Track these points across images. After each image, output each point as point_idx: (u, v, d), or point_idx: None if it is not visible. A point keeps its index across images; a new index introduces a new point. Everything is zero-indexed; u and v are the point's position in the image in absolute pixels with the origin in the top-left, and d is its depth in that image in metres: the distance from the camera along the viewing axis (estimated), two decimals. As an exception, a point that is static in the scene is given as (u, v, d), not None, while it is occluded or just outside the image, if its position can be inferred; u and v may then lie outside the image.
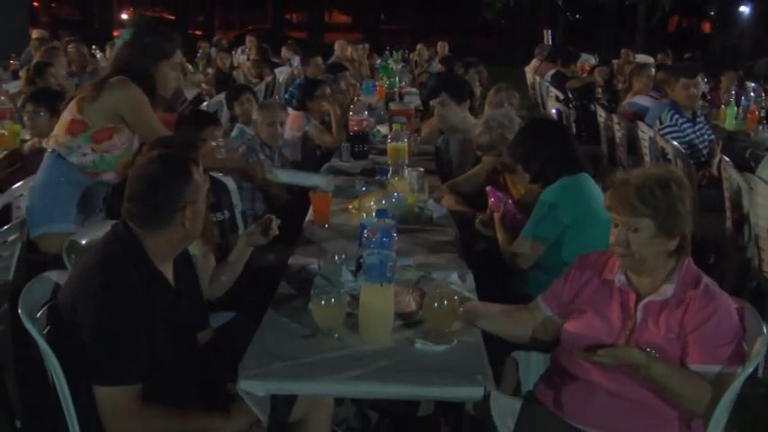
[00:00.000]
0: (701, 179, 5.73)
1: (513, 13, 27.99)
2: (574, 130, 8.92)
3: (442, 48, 13.75)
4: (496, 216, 3.73)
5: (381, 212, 2.78)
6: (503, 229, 3.69)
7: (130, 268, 2.45)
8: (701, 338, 2.48)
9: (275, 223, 3.21)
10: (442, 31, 38.32)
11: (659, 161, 5.95)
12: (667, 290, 2.58)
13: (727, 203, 5.03)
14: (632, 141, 6.82)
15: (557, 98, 9.68)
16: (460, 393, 2.41)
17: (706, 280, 2.61)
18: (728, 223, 5.05)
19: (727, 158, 5.12)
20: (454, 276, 3.10)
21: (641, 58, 12.86)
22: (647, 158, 6.32)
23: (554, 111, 8.81)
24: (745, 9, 31.46)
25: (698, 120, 6.20)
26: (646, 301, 2.59)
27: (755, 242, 4.58)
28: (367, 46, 12.57)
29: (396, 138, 4.80)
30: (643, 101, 7.21)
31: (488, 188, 3.86)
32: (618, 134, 7.14)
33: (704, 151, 6.02)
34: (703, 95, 8.77)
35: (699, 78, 6.17)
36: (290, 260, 3.41)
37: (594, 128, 8.17)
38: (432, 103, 5.63)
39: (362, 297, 2.63)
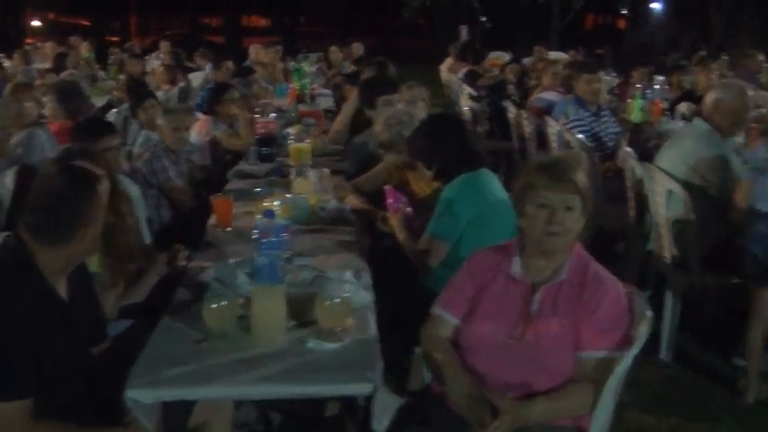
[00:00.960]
0: (607, 171, 5.85)
1: (431, 12, 28.24)
2: (487, 126, 9.06)
3: (357, 49, 13.75)
4: (395, 216, 3.72)
5: (268, 212, 2.77)
6: (403, 228, 3.69)
7: (19, 282, 2.39)
8: (592, 325, 2.53)
9: (182, 255, 3.20)
10: (363, 31, 38.49)
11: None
12: (561, 273, 2.62)
13: (630, 193, 5.15)
14: (541, 136, 6.92)
15: (470, 96, 9.77)
16: (350, 390, 2.42)
17: (594, 265, 2.65)
18: (631, 213, 5.18)
19: (629, 149, 5.24)
20: (348, 274, 3.09)
21: (554, 55, 13.11)
22: (555, 153, 6.43)
23: (466, 108, 8.88)
24: (656, 6, 32.32)
25: (602, 113, 6.34)
26: (542, 287, 2.63)
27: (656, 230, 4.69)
28: (280, 48, 12.50)
29: (298, 138, 4.78)
30: (550, 96, 7.34)
31: (387, 188, 3.87)
32: (527, 130, 7.25)
33: (609, 144, 6.16)
34: (611, 90, 8.99)
35: (601, 73, 6.30)
36: (189, 265, 3.36)
37: (507, 124, 8.28)
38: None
39: (253, 299, 2.61)
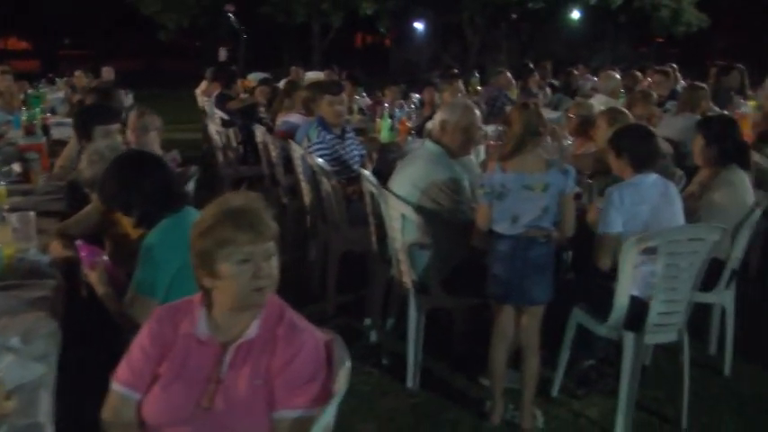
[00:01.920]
0: (352, 194, 5.70)
1: (192, 33, 27.60)
2: (242, 151, 8.74)
3: (107, 73, 13.01)
4: (92, 272, 3.24)
5: None
6: (102, 284, 3.21)
7: None
8: (286, 381, 2.27)
9: None
10: (128, 54, 37.07)
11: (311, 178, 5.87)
12: (253, 328, 2.34)
13: (370, 217, 5.00)
14: (288, 160, 6.69)
15: (222, 120, 9.42)
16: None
17: (290, 314, 2.41)
18: (372, 237, 5.03)
19: (366, 172, 5.10)
20: (15, 340, 2.63)
21: (312, 75, 13.02)
22: (301, 177, 6.20)
23: (215, 133, 8.50)
24: (419, 25, 33.51)
25: (347, 136, 6.20)
26: (233, 346, 2.33)
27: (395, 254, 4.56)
28: (10, 76, 11.44)
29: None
30: (294, 119, 7.14)
31: (78, 242, 3.38)
32: (273, 154, 7.00)
33: (354, 166, 6.01)
34: (361, 110, 8.96)
35: (344, 95, 6.15)
36: None
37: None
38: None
39: None
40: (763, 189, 6.12)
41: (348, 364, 2.36)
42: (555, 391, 4.37)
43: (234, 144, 8.78)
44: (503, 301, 3.95)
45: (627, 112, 5.53)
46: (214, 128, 8.62)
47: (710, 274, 4.48)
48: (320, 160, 5.62)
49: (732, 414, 4.31)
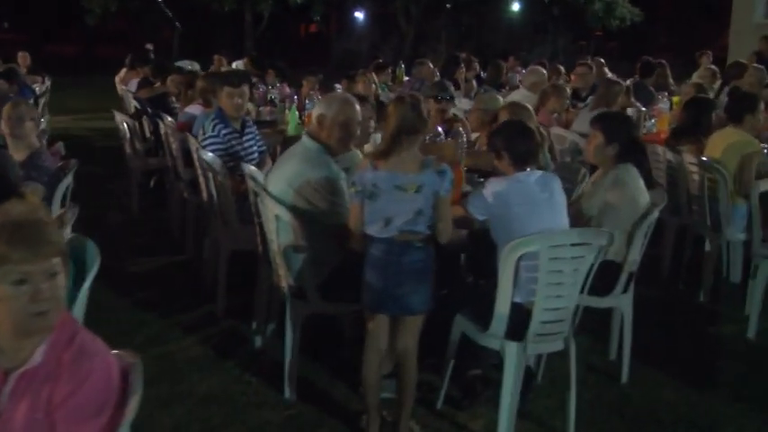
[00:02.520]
0: (245, 191, 5.39)
1: (127, 18, 26.89)
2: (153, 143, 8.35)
3: (23, 59, 12.48)
4: None
5: None
6: None
7: None
8: (68, 415, 1.98)
9: None
10: (67, 39, 36.06)
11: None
12: (37, 354, 2.04)
13: (255, 217, 4.70)
14: (189, 153, 6.35)
15: (136, 109, 9.03)
16: None
17: (82, 336, 2.11)
18: (258, 237, 4.74)
19: (251, 168, 4.82)
20: None
21: (239, 64, 12.63)
22: (199, 171, 5.87)
23: (122, 123, 8.10)
24: (359, 15, 33.19)
25: (247, 130, 5.87)
26: (15, 374, 2.04)
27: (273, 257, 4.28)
28: None
29: None
30: (194, 110, 6.81)
31: None
32: (173, 146, 6.65)
33: (253, 163, 5.69)
34: (272, 101, 8.64)
35: (245, 87, 5.81)
36: None
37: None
38: None
39: None
40: (678, 188, 6.02)
41: (140, 390, 2.08)
42: (440, 403, 4.14)
43: (147, 135, 8.41)
44: (376, 310, 3.69)
45: (529, 107, 5.32)
46: (120, 117, 8.21)
47: (606, 278, 4.31)
48: (210, 155, 5.31)
49: (622, 424, 4.13)
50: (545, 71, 9.21)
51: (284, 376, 4.20)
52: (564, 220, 3.84)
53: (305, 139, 4.18)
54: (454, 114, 6.31)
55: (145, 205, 8.28)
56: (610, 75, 11.00)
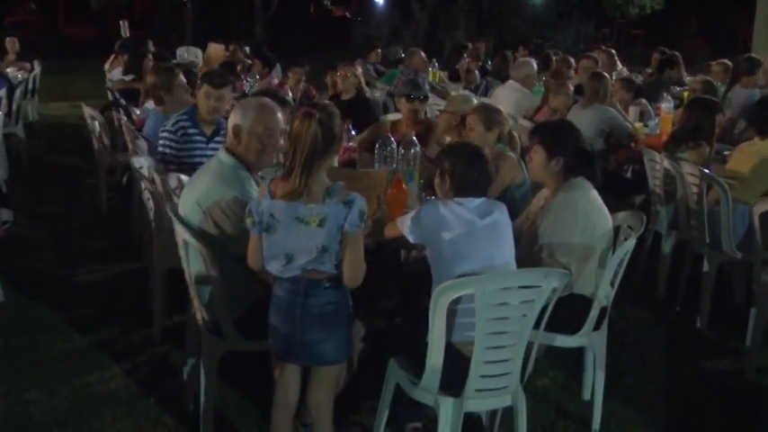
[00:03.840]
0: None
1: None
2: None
3: (11, 44, 12.06)
4: None
5: None
6: None
7: None
8: None
9: None
10: (90, 22, 35.71)
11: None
12: None
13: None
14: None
15: (109, 101, 8.54)
16: None
17: None
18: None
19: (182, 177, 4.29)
20: None
21: (213, 48, 12.07)
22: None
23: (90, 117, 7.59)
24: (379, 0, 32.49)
25: (217, 138, 5.17)
26: None
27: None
28: None
29: None
30: (152, 104, 6.29)
31: None
32: (130, 145, 6.14)
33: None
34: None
35: (225, 91, 5.20)
36: None
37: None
38: None
39: None
40: (677, 199, 5.42)
41: None
42: (372, 459, 3.60)
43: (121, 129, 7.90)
44: (284, 358, 3.16)
45: (501, 111, 4.72)
46: (88, 110, 7.70)
47: (573, 314, 3.75)
48: (143, 159, 4.79)
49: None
50: (535, 63, 8.53)
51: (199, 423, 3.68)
52: (508, 253, 3.26)
53: (221, 153, 3.62)
54: (427, 115, 5.72)
55: (115, 204, 7.79)
56: (620, 67, 10.37)
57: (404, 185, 3.91)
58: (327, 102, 3.81)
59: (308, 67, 9.19)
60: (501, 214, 3.26)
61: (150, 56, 9.34)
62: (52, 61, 18.43)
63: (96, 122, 7.53)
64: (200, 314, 3.63)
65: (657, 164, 5.64)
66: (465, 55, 10.94)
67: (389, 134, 4.79)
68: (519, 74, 8.08)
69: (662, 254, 5.66)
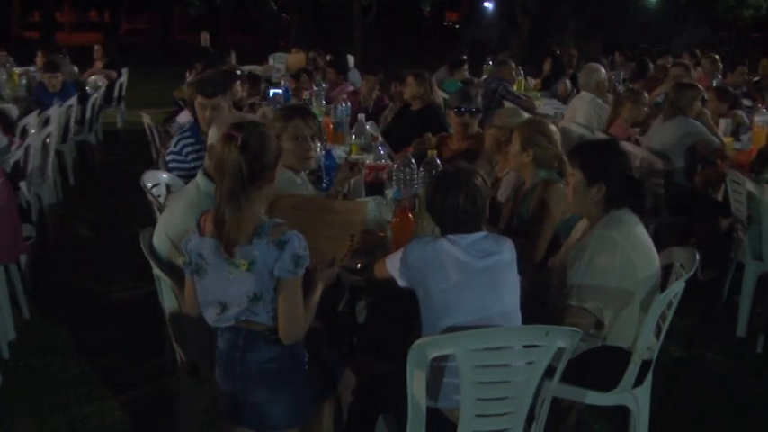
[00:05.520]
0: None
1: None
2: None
3: (98, 52, 12.13)
4: None
5: None
6: None
7: None
8: None
9: None
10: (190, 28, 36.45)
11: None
12: None
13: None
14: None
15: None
16: None
17: None
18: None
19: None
20: None
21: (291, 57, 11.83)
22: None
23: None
24: (488, 4, 31.81)
25: None
26: None
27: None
28: None
29: None
30: (183, 118, 6.00)
31: None
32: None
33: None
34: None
35: (220, 100, 4.87)
36: None
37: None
38: None
39: None
40: (762, 227, 4.74)
41: None
42: None
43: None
44: (232, 421, 2.73)
45: (551, 132, 4.13)
46: (146, 120, 7.51)
47: (608, 368, 3.19)
48: (162, 176, 4.48)
49: None
50: (603, 69, 7.78)
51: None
52: (508, 301, 2.74)
53: (199, 175, 3.25)
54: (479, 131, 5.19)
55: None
56: (720, 77, 9.52)
57: (410, 214, 3.41)
58: (258, 121, 3.32)
59: (381, 76, 8.79)
60: (503, 254, 2.74)
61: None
62: (161, 69, 18.79)
63: (155, 132, 7.32)
64: (179, 354, 3.26)
65: (740, 185, 4.96)
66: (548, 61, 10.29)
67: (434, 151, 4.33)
68: (588, 82, 7.44)
69: (743, 287, 4.97)
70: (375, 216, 3.56)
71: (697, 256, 3.25)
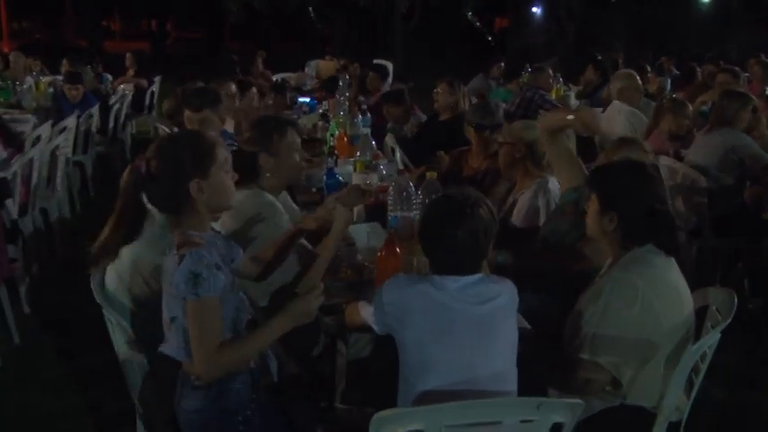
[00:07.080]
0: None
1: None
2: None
3: (130, 60, 11.97)
4: None
5: None
6: None
7: None
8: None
9: None
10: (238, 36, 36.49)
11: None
12: None
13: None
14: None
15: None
16: None
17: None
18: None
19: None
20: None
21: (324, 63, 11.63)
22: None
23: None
24: (536, 10, 31.28)
25: None
26: None
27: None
28: None
29: None
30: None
31: None
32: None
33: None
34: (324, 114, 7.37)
35: (208, 113, 4.66)
36: None
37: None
38: None
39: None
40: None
41: None
42: None
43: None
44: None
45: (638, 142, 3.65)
46: (162, 129, 7.21)
47: (628, 430, 2.73)
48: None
49: None
50: (636, 75, 7.25)
51: None
52: (500, 360, 2.28)
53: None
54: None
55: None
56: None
57: (397, 248, 2.96)
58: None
59: (411, 84, 8.41)
60: (503, 298, 2.29)
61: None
62: (203, 77, 18.66)
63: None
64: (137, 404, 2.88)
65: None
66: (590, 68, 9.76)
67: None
68: (614, 89, 6.97)
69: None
70: (364, 245, 3.14)
71: (735, 300, 2.76)
